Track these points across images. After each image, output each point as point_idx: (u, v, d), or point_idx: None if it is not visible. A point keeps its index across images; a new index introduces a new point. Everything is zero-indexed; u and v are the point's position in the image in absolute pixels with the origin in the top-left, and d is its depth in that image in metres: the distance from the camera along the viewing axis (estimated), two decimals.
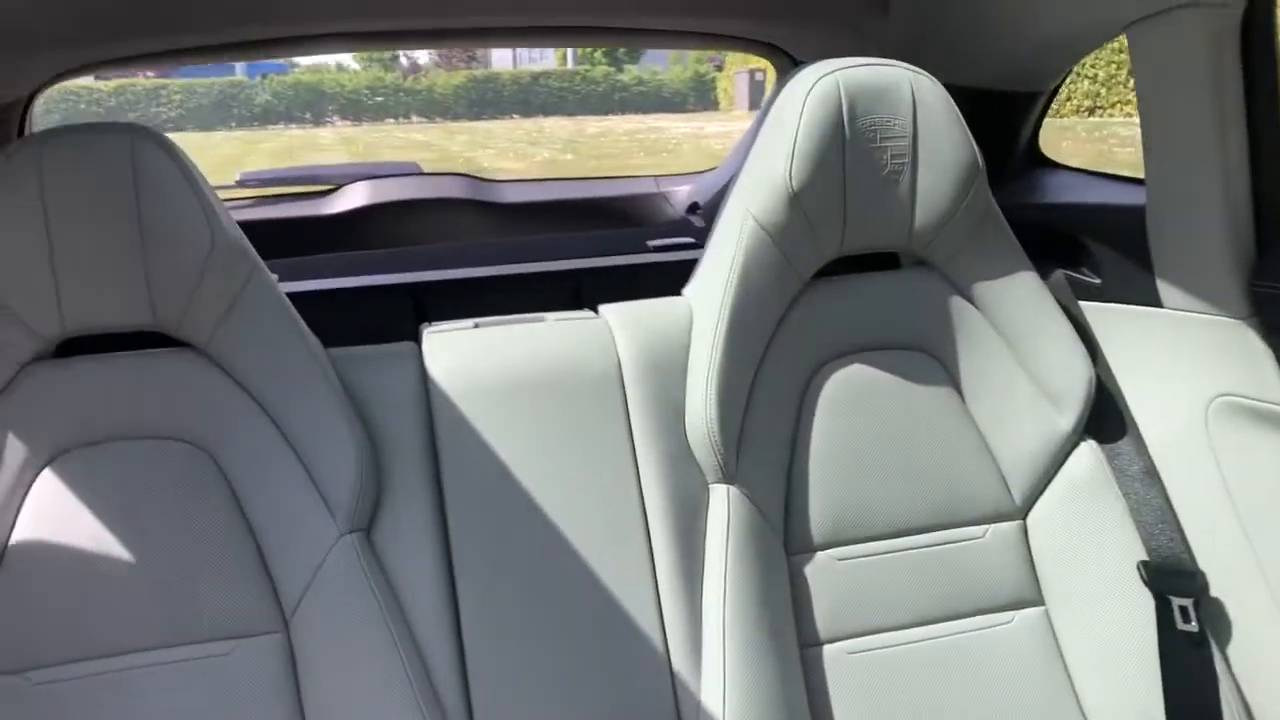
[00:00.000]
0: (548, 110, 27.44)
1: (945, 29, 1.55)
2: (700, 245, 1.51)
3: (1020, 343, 1.34)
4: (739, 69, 25.00)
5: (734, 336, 1.26)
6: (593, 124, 23.32)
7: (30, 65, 1.57)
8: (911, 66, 1.30)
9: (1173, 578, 1.27)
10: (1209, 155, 1.22)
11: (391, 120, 27.21)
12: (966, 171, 1.29)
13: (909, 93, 1.27)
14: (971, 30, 1.52)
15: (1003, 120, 1.65)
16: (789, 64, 1.97)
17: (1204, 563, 1.30)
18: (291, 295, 1.26)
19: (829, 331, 1.33)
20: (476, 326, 1.33)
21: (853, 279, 1.36)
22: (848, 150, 1.26)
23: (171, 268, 1.15)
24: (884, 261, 1.42)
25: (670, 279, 1.43)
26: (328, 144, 19.41)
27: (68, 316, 1.14)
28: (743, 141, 2.24)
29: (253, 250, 1.22)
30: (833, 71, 1.26)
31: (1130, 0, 1.24)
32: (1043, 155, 1.73)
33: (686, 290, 1.38)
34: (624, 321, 1.33)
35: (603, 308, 1.38)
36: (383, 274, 1.83)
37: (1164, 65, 1.23)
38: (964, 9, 1.49)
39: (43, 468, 1.15)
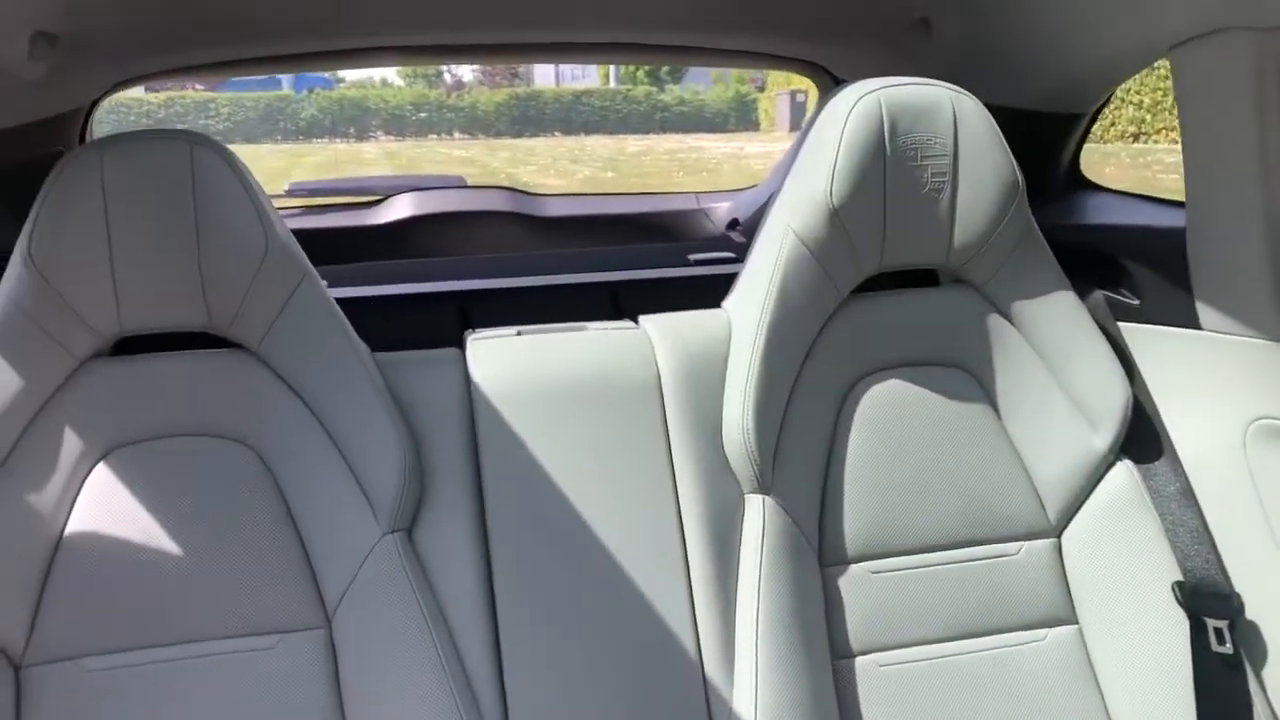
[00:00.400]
0: (589, 128, 27.60)
1: (988, 50, 1.57)
2: (740, 261, 1.53)
3: (1058, 362, 1.35)
4: (780, 90, 25.04)
5: (772, 349, 1.28)
6: (633, 143, 23.42)
7: (92, 75, 1.62)
8: (953, 86, 1.31)
9: (1208, 599, 1.27)
10: (1250, 178, 1.22)
11: (434, 136, 27.48)
12: (1007, 191, 1.30)
13: (950, 112, 1.29)
14: (1014, 51, 1.53)
15: (1044, 141, 1.65)
16: (831, 83, 1.99)
17: (1240, 585, 1.29)
18: (339, 301, 1.29)
19: (867, 346, 1.34)
20: (519, 334, 1.36)
21: (891, 295, 1.38)
22: (888, 168, 1.27)
23: (226, 271, 1.18)
24: (923, 278, 1.43)
25: (710, 293, 1.45)
26: (372, 158, 19.62)
27: (125, 316, 1.18)
28: (784, 159, 2.26)
29: (304, 256, 1.25)
30: (875, 90, 1.28)
31: (1173, 23, 1.25)
32: (1083, 177, 1.73)
33: (726, 303, 1.40)
34: (664, 332, 1.35)
35: (643, 319, 1.40)
36: (427, 282, 1.86)
37: (1206, 88, 1.24)
38: (1007, 30, 1.50)
39: (98, 462, 1.19)
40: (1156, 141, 13.56)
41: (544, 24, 1.70)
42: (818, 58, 1.95)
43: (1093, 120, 1.65)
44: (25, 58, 1.27)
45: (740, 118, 28.81)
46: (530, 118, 28.11)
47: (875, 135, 1.26)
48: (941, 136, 1.28)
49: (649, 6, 1.63)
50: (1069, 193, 1.71)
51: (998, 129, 1.31)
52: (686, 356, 1.32)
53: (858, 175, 1.26)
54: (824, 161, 1.27)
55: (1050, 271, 1.37)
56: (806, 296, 1.30)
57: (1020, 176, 1.32)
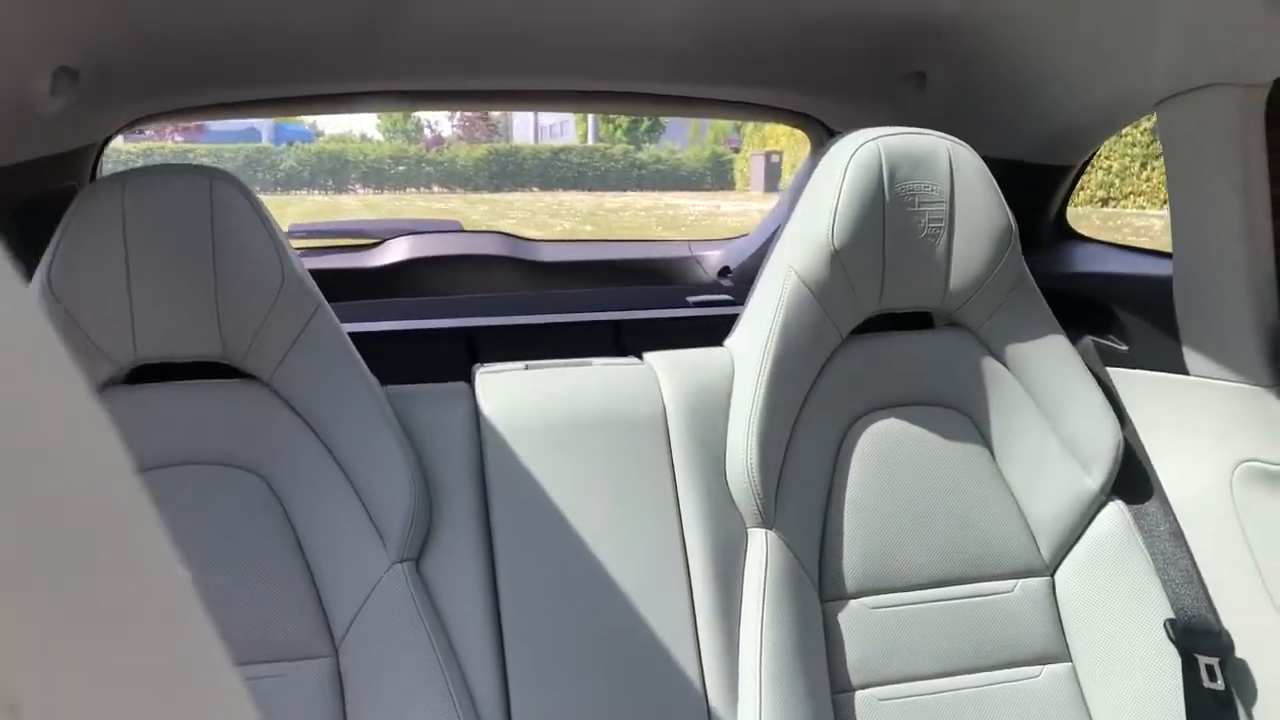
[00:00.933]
0: (566, 184, 27.77)
1: (980, 103, 1.62)
2: (735, 304, 1.56)
3: (1050, 404, 1.38)
4: (755, 151, 25.34)
5: (774, 386, 1.31)
6: (611, 199, 23.58)
7: (108, 111, 1.64)
8: (949, 136, 1.36)
9: (1199, 636, 1.30)
10: (1235, 227, 1.27)
11: (413, 190, 27.57)
12: (1001, 237, 1.35)
13: (947, 161, 1.33)
14: (1006, 105, 1.59)
15: (1034, 192, 1.70)
16: (825, 134, 2.04)
17: (1229, 623, 1.32)
18: (351, 335, 1.31)
19: (865, 386, 1.38)
20: (527, 369, 1.38)
21: (889, 336, 1.41)
22: (887, 213, 1.31)
23: (242, 303, 1.20)
24: (919, 321, 1.47)
25: (709, 334, 1.48)
26: (352, 209, 19.62)
27: (141, 345, 1.19)
28: (774, 211, 2.31)
29: (317, 289, 1.28)
30: (874, 139, 1.33)
31: (1160, 79, 1.30)
32: (1070, 227, 1.79)
33: (729, 341, 1.43)
34: (669, 368, 1.37)
35: (648, 355, 1.42)
36: (435, 319, 1.89)
37: (1193, 140, 1.29)
38: (999, 85, 1.56)
39: None
40: (1125, 206, 13.80)
41: (531, 72, 1.73)
42: (811, 109, 2.00)
43: (1081, 172, 1.70)
44: (48, 92, 1.29)
45: (716, 177, 29.07)
46: (509, 173, 28.27)
47: (875, 181, 1.30)
48: (938, 184, 1.33)
49: (650, 57, 1.68)
50: (1057, 242, 1.76)
51: (992, 178, 1.36)
52: (691, 392, 1.35)
53: (858, 219, 1.30)
54: (825, 205, 1.31)
55: (1043, 316, 1.41)
56: (808, 336, 1.33)
57: (1014, 224, 1.36)
